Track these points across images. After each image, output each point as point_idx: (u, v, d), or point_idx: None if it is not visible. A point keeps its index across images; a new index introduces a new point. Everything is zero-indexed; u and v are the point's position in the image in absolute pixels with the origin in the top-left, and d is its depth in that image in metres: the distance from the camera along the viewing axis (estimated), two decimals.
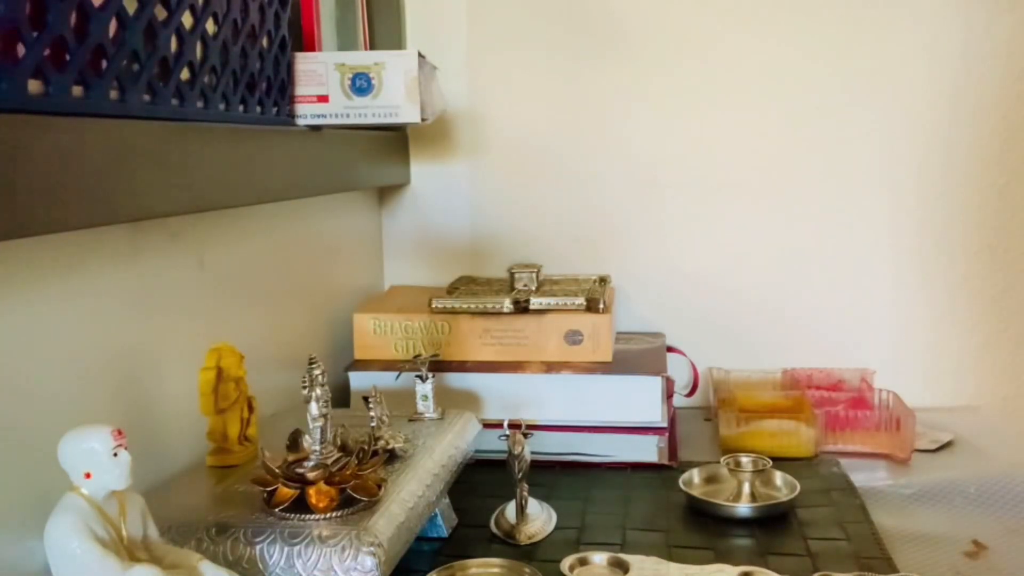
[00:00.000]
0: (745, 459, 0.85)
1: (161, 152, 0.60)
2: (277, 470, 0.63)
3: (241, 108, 0.74)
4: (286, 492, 0.62)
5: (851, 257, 1.14)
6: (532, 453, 0.78)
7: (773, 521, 0.79)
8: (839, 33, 1.10)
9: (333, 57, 0.84)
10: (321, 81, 0.84)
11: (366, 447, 0.67)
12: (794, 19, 1.11)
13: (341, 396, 0.96)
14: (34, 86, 0.49)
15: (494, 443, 0.82)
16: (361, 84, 0.84)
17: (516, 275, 1.05)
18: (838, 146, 1.12)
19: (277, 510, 0.61)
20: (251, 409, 0.74)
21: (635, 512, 0.82)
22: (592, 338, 0.98)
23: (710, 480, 0.86)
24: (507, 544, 0.76)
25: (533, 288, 1.03)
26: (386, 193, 1.22)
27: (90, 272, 0.63)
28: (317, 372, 0.64)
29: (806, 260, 1.14)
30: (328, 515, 0.61)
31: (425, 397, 0.84)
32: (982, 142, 1.10)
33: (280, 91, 0.81)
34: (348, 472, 0.63)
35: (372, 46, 1.08)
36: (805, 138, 1.13)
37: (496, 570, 0.69)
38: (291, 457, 0.66)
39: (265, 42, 0.78)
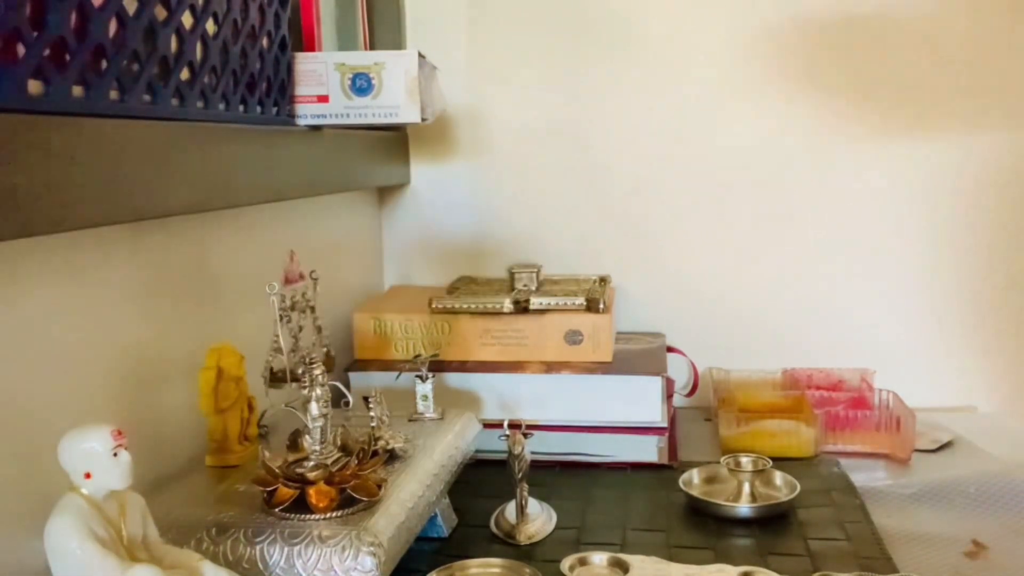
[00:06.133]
0: (745, 459, 0.85)
1: (161, 152, 0.60)
2: (277, 470, 0.63)
3: (241, 108, 0.74)
4: (286, 492, 0.62)
5: (851, 257, 1.14)
6: (532, 453, 0.78)
7: (773, 521, 0.79)
8: (841, 32, 1.10)
9: (333, 57, 0.84)
10: (321, 81, 0.84)
11: (366, 447, 0.67)
12: (797, 17, 1.11)
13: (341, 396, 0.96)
14: (34, 86, 0.49)
15: (494, 443, 0.82)
16: (361, 84, 0.84)
17: (516, 275, 1.05)
18: (838, 146, 1.12)
19: (277, 510, 0.61)
20: (251, 409, 0.75)
21: (635, 512, 0.82)
22: (592, 338, 0.98)
23: (710, 480, 0.86)
24: (507, 544, 0.76)
25: (533, 288, 1.03)
26: (386, 193, 1.22)
27: (90, 272, 0.63)
28: (317, 372, 0.64)
29: (806, 260, 1.14)
30: (328, 515, 0.61)
31: (425, 397, 0.84)
32: (983, 141, 1.10)
33: (280, 91, 0.81)
34: (348, 472, 0.63)
35: (372, 46, 1.08)
36: (805, 138, 1.13)
37: (496, 570, 0.69)
38: (291, 457, 0.66)
39: (265, 42, 0.78)
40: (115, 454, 0.50)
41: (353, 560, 0.57)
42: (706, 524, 0.79)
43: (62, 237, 0.58)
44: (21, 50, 0.48)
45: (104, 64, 0.55)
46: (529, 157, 1.18)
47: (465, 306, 0.99)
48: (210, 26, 0.68)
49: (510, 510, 0.79)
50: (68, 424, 0.51)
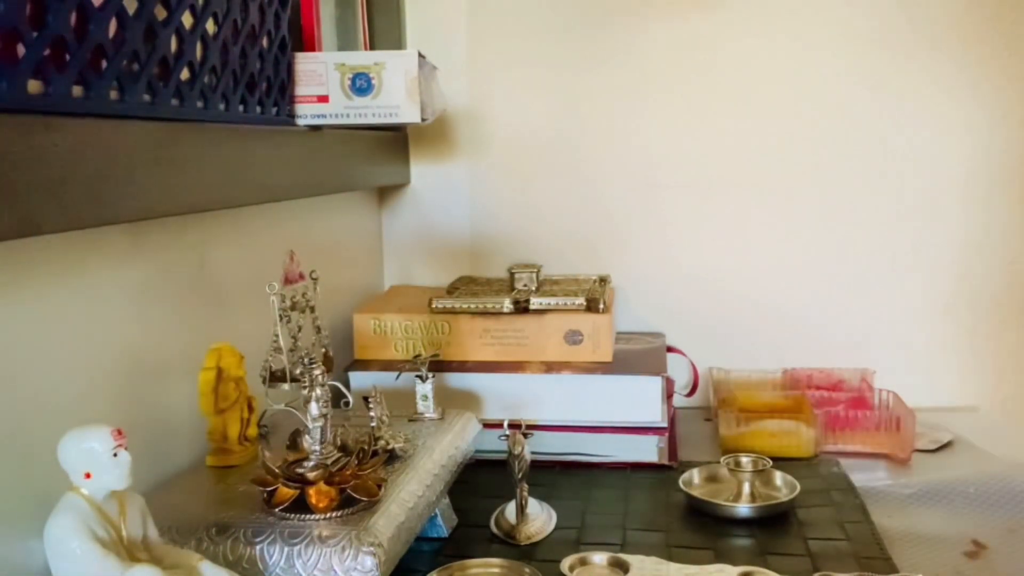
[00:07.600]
0: (745, 459, 0.85)
1: (161, 152, 0.60)
2: (277, 470, 0.63)
3: (241, 108, 0.74)
4: (286, 492, 0.62)
5: (851, 257, 1.14)
6: (532, 453, 0.78)
7: (773, 521, 0.79)
8: (839, 32, 1.10)
9: (333, 57, 0.84)
10: (321, 81, 0.84)
11: (366, 447, 0.67)
12: (795, 17, 1.11)
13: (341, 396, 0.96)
14: (34, 86, 0.49)
15: (494, 443, 0.82)
16: (361, 84, 0.84)
17: (516, 275, 1.05)
18: (838, 146, 1.12)
19: (277, 510, 0.61)
20: (251, 409, 0.75)
21: (635, 512, 0.82)
22: (592, 338, 0.98)
23: (710, 480, 0.86)
24: (507, 544, 0.76)
25: (533, 288, 1.03)
26: (386, 193, 1.22)
27: (90, 272, 0.63)
28: (317, 372, 0.64)
29: (806, 260, 1.14)
30: (328, 515, 0.61)
31: (425, 397, 0.84)
32: (982, 142, 1.10)
33: (280, 91, 0.81)
34: (348, 472, 0.63)
35: (372, 46, 1.08)
36: (805, 138, 1.13)
37: (496, 570, 0.69)
38: (291, 457, 0.66)
39: (265, 42, 0.78)
40: (115, 454, 0.50)
41: (353, 560, 0.57)
42: (706, 524, 0.79)
43: (62, 237, 0.58)
44: (21, 50, 0.48)
45: (104, 64, 0.55)
46: (529, 157, 1.18)
47: (465, 306, 0.99)
48: (210, 26, 0.68)
49: (510, 510, 0.79)
50: (68, 424, 0.51)
